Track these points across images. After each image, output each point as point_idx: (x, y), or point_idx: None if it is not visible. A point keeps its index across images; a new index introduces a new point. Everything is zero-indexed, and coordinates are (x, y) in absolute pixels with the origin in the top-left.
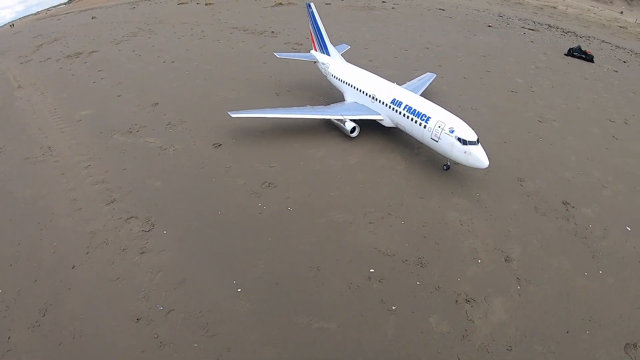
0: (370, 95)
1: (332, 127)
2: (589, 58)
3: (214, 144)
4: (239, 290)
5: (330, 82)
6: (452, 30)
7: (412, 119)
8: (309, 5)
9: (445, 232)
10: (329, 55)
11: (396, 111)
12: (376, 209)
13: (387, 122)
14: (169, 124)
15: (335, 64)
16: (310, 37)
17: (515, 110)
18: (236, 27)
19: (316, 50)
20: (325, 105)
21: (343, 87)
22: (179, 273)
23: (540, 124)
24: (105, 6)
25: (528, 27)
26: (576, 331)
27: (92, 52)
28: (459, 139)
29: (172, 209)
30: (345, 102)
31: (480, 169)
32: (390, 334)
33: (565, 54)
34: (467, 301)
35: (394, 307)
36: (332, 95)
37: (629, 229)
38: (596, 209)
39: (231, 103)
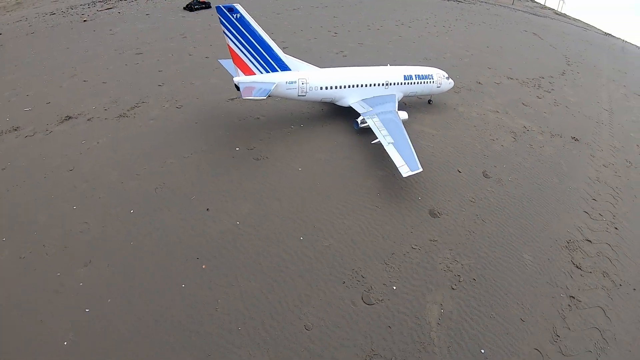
0: (383, 84)
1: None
2: (207, 5)
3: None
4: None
5: (308, 100)
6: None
7: (423, 82)
8: (231, 10)
9: (503, 124)
10: (290, 69)
11: (411, 83)
12: (479, 136)
13: (398, 97)
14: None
15: (316, 74)
16: (233, 59)
17: None
18: None
19: (251, 73)
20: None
21: (339, 94)
22: None
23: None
24: None
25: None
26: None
27: None
28: (446, 77)
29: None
30: (355, 104)
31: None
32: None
33: (188, 9)
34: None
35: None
36: (302, 118)
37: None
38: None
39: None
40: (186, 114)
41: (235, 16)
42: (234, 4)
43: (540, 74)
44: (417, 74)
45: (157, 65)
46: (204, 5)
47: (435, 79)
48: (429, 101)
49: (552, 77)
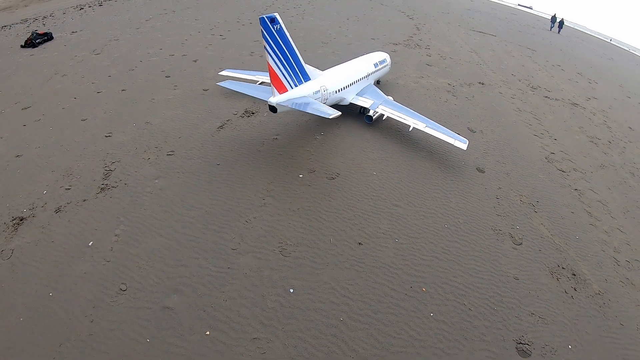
0: (366, 76)
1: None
2: (49, 37)
3: None
4: None
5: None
6: None
7: (383, 67)
8: (273, 21)
9: (436, 86)
10: (311, 78)
11: (377, 71)
12: (436, 102)
13: None
14: None
15: (329, 78)
16: (272, 79)
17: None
18: None
19: (285, 91)
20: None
21: (345, 93)
22: None
23: None
24: None
25: None
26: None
27: None
28: (390, 58)
29: None
30: (353, 100)
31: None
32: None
33: (30, 46)
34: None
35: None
36: (314, 126)
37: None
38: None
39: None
40: (192, 160)
41: (275, 27)
42: (274, 14)
43: (407, 34)
44: (379, 60)
45: (69, 114)
46: (45, 38)
47: (387, 62)
48: (378, 81)
49: (415, 34)
